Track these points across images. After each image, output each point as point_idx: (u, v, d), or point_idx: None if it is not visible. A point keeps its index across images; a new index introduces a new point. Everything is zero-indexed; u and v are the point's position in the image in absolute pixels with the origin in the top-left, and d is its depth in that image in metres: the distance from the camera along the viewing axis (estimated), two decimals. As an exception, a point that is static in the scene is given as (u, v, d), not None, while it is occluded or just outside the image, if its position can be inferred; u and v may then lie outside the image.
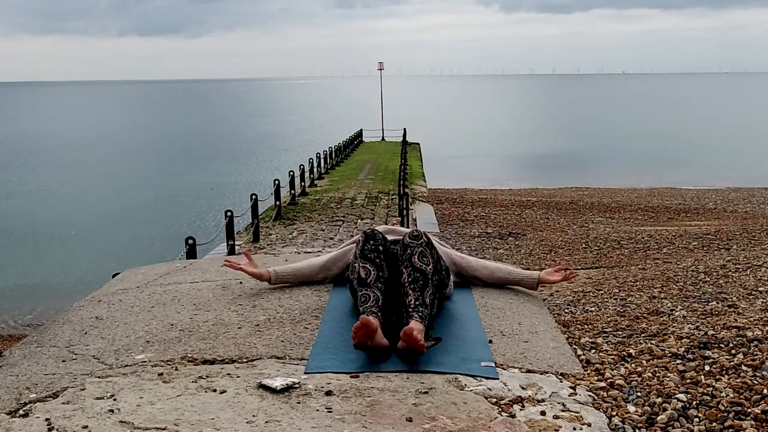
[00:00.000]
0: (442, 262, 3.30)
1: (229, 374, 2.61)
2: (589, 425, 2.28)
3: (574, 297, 6.41)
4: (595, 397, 2.56)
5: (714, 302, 5.30)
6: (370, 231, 3.32)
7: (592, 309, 5.72)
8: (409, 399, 2.40)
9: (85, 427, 2.19)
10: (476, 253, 11.48)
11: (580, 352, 3.38)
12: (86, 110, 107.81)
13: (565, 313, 5.64)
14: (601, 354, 3.37)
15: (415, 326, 2.75)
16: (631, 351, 3.35)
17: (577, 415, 2.35)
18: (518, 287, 3.78)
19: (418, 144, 36.06)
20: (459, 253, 3.87)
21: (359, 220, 13.80)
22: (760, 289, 5.69)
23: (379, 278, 3.11)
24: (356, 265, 3.20)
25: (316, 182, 20.70)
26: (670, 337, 3.71)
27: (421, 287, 3.00)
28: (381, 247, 3.22)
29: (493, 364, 2.71)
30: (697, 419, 2.47)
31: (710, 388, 2.70)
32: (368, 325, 2.71)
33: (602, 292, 6.61)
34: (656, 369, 3.00)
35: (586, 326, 4.63)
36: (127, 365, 2.72)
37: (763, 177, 27.68)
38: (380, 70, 41.62)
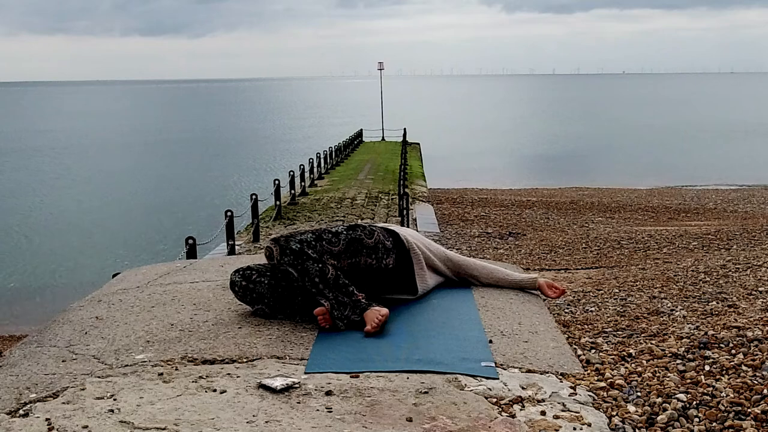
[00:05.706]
0: (312, 250, 3.12)
1: (229, 374, 2.61)
2: (589, 425, 2.28)
3: (574, 297, 6.40)
4: (595, 397, 2.56)
5: (714, 302, 5.30)
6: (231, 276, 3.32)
7: (592, 309, 5.72)
8: (409, 399, 2.40)
9: (85, 427, 2.19)
10: (476, 253, 11.48)
11: (580, 352, 3.38)
12: (87, 110, 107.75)
13: (565, 313, 5.64)
14: (601, 354, 3.37)
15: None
16: (631, 351, 3.35)
17: (577, 415, 2.35)
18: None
19: (418, 144, 36.03)
20: (458, 254, 3.88)
21: (359, 220, 13.80)
22: (760, 289, 5.69)
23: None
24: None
25: (316, 182, 20.69)
26: (670, 337, 3.72)
27: (320, 292, 3.07)
28: (254, 276, 3.25)
29: (493, 364, 2.71)
30: (697, 419, 2.47)
31: (710, 388, 2.70)
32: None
33: (602, 292, 6.60)
34: (656, 369, 3.00)
35: (586, 326, 4.64)
36: (127, 365, 2.72)
37: (764, 177, 27.67)
38: (380, 70, 41.62)
